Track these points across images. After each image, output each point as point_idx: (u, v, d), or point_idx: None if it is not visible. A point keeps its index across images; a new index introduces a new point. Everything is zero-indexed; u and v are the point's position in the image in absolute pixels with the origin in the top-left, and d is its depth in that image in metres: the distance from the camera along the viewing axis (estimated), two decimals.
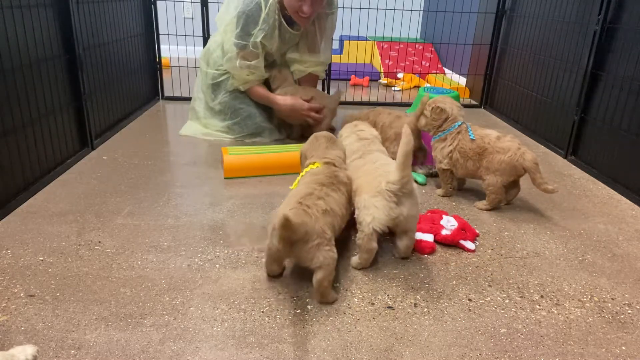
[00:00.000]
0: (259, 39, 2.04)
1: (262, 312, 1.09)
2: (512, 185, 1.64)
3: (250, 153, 1.89)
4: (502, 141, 1.59)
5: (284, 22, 2.08)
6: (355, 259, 1.28)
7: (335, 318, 1.08)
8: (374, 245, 1.23)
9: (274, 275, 1.22)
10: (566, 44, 2.25)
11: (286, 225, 1.02)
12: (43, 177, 1.67)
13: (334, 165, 1.34)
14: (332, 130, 2.31)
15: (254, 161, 1.86)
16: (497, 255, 1.37)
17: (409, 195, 1.22)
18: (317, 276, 1.09)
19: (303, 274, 1.23)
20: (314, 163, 1.35)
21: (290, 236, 1.05)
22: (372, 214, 1.21)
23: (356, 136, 1.55)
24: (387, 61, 3.97)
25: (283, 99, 2.15)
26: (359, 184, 1.30)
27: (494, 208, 1.64)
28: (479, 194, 1.76)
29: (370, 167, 1.35)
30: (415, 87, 3.61)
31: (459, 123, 1.66)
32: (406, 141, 1.15)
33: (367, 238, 1.22)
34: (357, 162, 1.43)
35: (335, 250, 1.12)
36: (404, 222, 1.24)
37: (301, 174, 1.36)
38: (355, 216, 1.28)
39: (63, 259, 1.25)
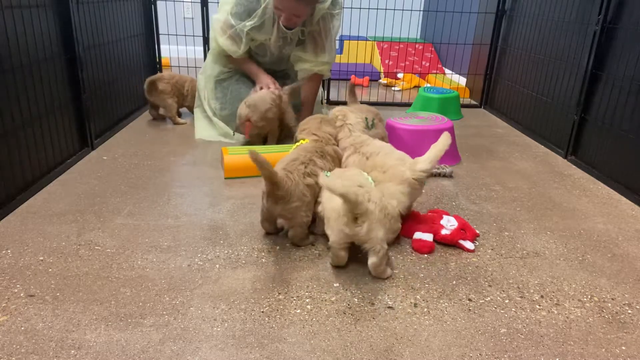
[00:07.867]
0: (245, 29, 2.06)
1: (262, 312, 1.09)
2: None
3: None
4: None
5: (280, 22, 2.08)
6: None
7: (335, 318, 1.08)
8: (399, 225, 1.35)
9: (268, 233, 1.41)
10: (566, 44, 2.25)
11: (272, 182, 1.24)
12: (43, 177, 1.67)
13: (321, 142, 1.49)
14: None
15: None
16: (497, 255, 1.37)
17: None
18: (290, 233, 1.34)
19: (303, 274, 1.23)
20: (303, 139, 1.50)
21: (275, 194, 1.26)
22: (398, 199, 1.35)
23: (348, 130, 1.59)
24: (387, 61, 3.97)
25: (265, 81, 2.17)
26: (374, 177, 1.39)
27: None
28: (479, 193, 1.76)
29: (381, 159, 1.45)
30: (415, 87, 3.61)
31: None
32: (445, 140, 1.39)
33: (394, 220, 1.31)
34: (354, 158, 1.50)
35: (310, 214, 1.33)
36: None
37: (292, 147, 1.51)
38: None
39: (63, 259, 1.25)
